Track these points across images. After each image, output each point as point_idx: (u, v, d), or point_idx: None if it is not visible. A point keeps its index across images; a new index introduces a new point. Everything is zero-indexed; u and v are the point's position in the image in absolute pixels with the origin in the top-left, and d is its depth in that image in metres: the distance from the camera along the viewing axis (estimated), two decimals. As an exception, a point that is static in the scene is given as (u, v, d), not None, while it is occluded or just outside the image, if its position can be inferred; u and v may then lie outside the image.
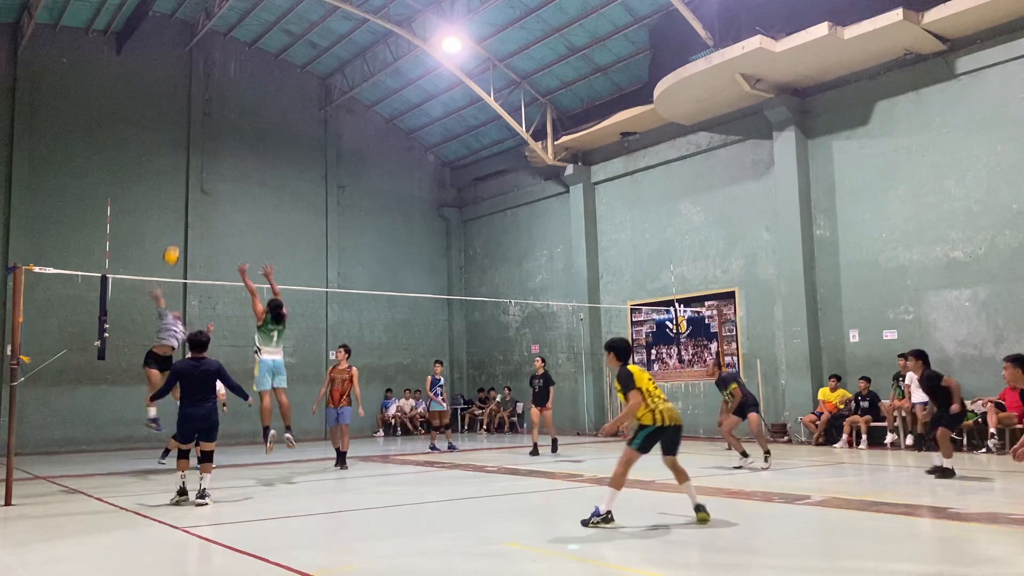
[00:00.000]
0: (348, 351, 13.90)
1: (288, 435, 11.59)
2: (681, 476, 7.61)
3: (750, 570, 5.72)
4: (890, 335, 15.44)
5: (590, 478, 11.28)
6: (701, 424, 18.73)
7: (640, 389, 7.51)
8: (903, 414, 14.57)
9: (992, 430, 13.23)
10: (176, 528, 7.74)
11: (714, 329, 18.19)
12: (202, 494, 9.16)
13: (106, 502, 9.74)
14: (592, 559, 6.12)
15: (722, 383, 12.70)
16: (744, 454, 12.00)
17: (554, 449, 15.19)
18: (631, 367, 7.69)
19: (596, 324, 21.40)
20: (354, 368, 13.67)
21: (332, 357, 23.08)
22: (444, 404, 16.94)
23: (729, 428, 12.47)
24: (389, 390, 23.58)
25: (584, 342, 21.36)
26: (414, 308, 24.60)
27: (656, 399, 7.57)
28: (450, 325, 25.68)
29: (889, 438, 14.74)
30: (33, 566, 6.29)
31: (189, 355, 9.73)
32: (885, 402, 14.98)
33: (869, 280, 15.86)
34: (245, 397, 9.83)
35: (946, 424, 10.39)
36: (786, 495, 9.01)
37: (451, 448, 16.59)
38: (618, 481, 7.42)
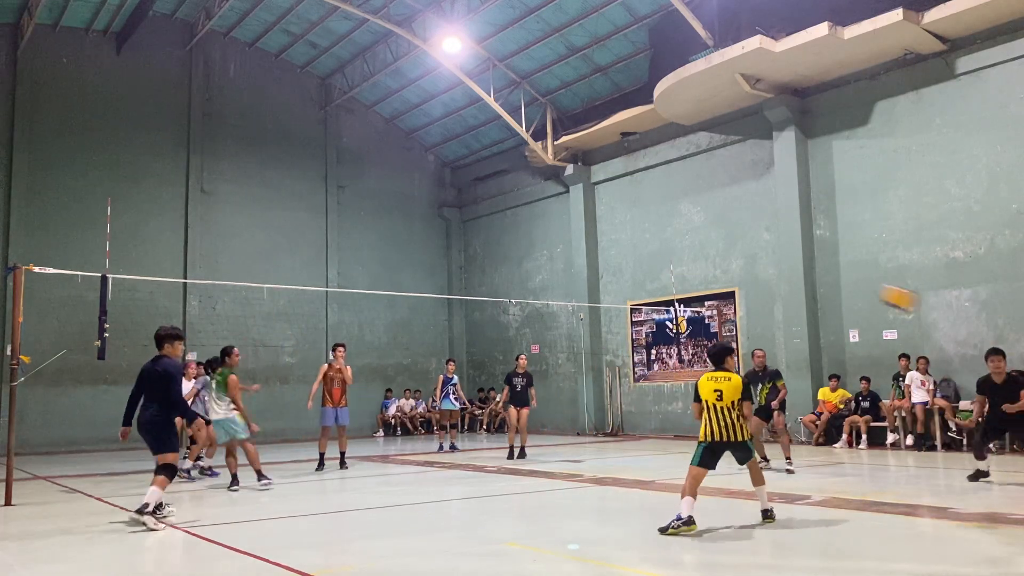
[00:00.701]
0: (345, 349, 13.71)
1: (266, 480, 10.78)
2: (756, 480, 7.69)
3: (750, 570, 5.72)
4: (890, 335, 15.44)
5: (590, 478, 11.28)
6: (701, 424, 18.70)
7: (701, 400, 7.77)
8: (903, 414, 14.57)
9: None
10: (176, 528, 7.74)
11: (714, 329, 18.18)
12: (141, 509, 7.73)
13: (106, 502, 9.74)
14: (592, 559, 6.12)
15: (770, 376, 11.79)
16: (765, 458, 11.51)
17: (521, 455, 14.39)
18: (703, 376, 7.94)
19: (596, 324, 21.40)
20: (348, 367, 13.44)
21: (332, 358, 23.13)
22: (457, 403, 16.76)
23: (755, 430, 11.91)
24: (389, 390, 23.57)
25: (584, 342, 21.35)
26: (414, 308, 24.60)
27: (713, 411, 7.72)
28: (450, 325, 25.68)
29: (889, 438, 14.74)
30: (33, 566, 6.29)
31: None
32: (885, 402, 14.98)
33: (869, 280, 15.84)
34: (189, 420, 9.06)
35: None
36: (786, 495, 9.01)
37: (452, 448, 16.58)
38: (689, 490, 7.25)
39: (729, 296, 18.34)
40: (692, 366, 19.16)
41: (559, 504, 9.21)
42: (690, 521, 6.87)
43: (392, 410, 23.17)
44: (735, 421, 7.61)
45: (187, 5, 20.84)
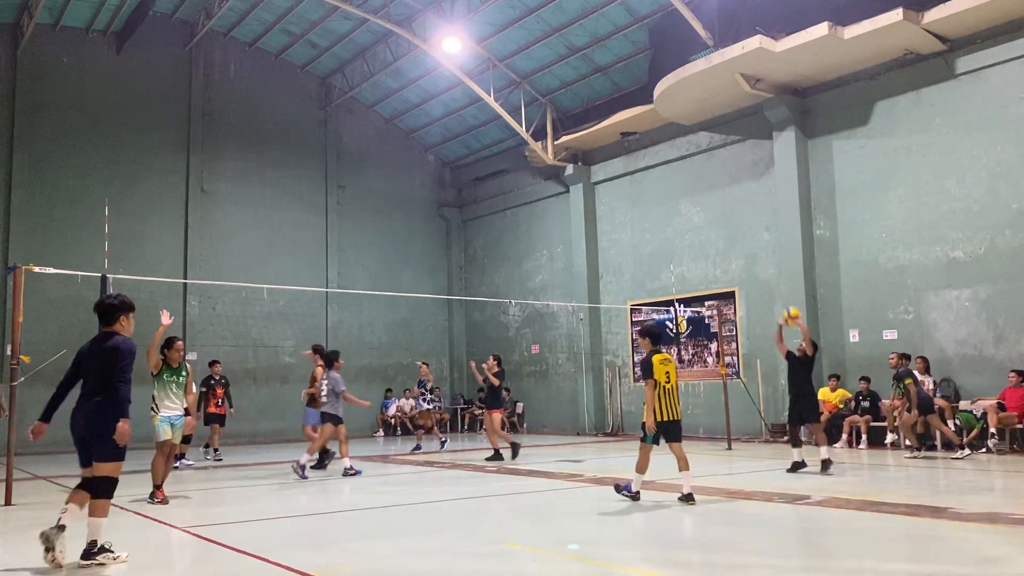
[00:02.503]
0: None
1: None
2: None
3: (750, 570, 5.72)
4: (890, 335, 15.43)
5: (590, 478, 11.28)
6: (702, 423, 18.73)
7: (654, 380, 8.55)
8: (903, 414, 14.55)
9: (992, 430, 13.23)
10: (176, 528, 7.74)
11: (714, 329, 18.19)
12: (88, 552, 5.98)
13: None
14: (592, 559, 6.12)
15: (897, 378, 13.16)
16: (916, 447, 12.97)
17: (496, 457, 13.91)
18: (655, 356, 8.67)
19: (596, 324, 21.40)
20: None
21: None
22: (426, 405, 17.05)
23: (908, 424, 13.07)
24: (389, 390, 23.57)
25: (584, 342, 21.36)
26: (414, 308, 24.60)
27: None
28: (450, 325, 25.68)
29: (889, 438, 14.72)
30: (33, 566, 6.28)
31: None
32: (885, 402, 14.97)
33: (869, 280, 15.86)
34: (118, 416, 6.17)
35: None
36: (786, 495, 9.01)
37: (416, 449, 16.50)
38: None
39: (729, 296, 18.34)
40: (692, 366, 19.17)
41: (559, 504, 9.21)
42: (638, 496, 8.54)
43: (392, 410, 23.16)
44: (677, 401, 8.75)
45: (187, 5, 20.84)
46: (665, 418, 8.61)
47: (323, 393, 12.34)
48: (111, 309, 6.43)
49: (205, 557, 6.63)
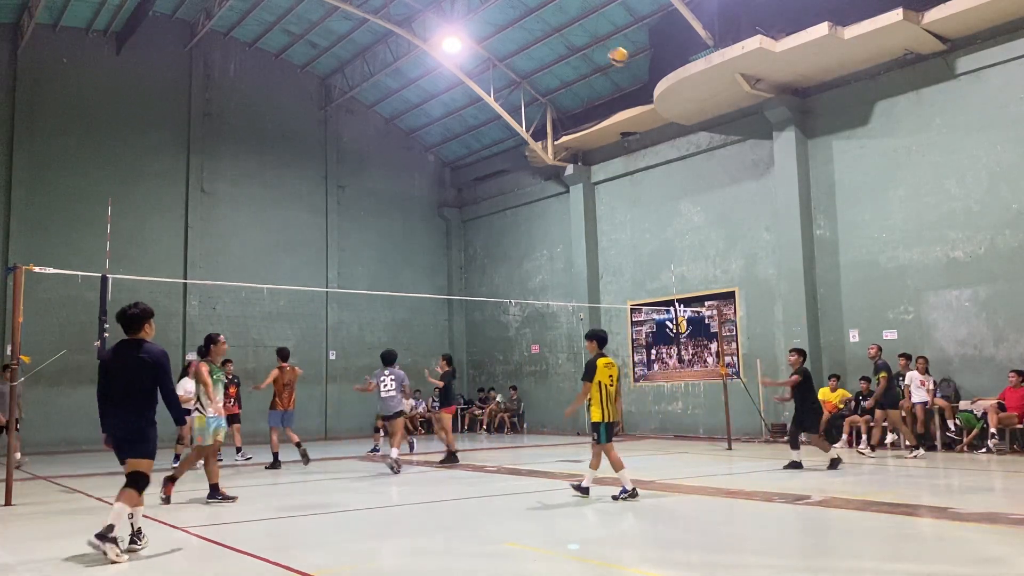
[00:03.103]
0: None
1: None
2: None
3: (750, 570, 5.72)
4: (890, 335, 15.43)
5: (590, 478, 11.26)
6: (701, 424, 18.74)
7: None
8: (903, 414, 14.56)
9: (992, 430, 13.23)
10: (176, 528, 7.74)
11: (714, 329, 18.18)
12: (102, 534, 6.22)
13: (106, 502, 9.72)
14: (592, 559, 6.12)
15: (876, 370, 13.28)
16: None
17: (451, 459, 13.88)
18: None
19: (596, 324, 21.36)
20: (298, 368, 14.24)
21: (332, 357, 23.13)
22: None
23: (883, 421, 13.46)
24: (389, 390, 23.53)
25: (584, 342, 21.32)
26: (414, 308, 24.60)
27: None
28: (450, 325, 25.68)
29: (889, 438, 14.72)
30: (33, 566, 6.29)
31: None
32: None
33: (869, 280, 15.86)
34: (180, 421, 6.90)
35: None
36: (786, 495, 9.01)
37: (375, 449, 16.02)
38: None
39: (729, 296, 18.34)
40: (692, 366, 19.17)
41: (559, 504, 9.21)
42: (635, 492, 8.93)
43: (392, 410, 23.09)
44: (616, 402, 9.43)
45: (187, 5, 20.84)
46: (609, 419, 9.22)
47: (392, 390, 12.97)
48: (136, 319, 6.71)
49: (205, 557, 6.63)
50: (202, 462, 9.67)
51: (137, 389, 6.57)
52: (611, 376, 9.25)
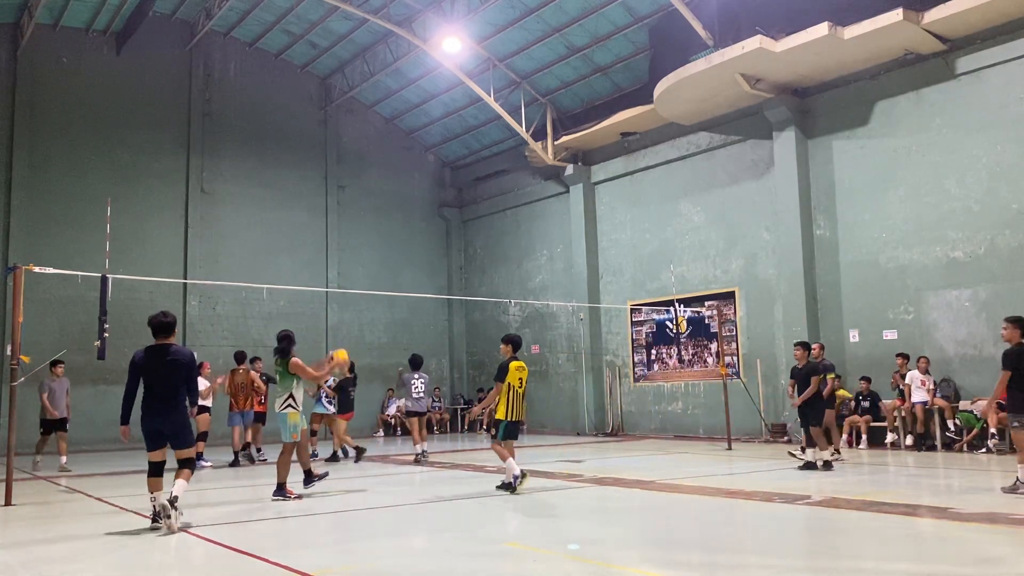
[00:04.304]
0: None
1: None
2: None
3: (750, 570, 5.72)
4: (890, 335, 15.43)
5: (590, 478, 11.29)
6: (701, 424, 18.74)
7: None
8: (903, 414, 14.58)
9: (992, 430, 13.24)
10: (176, 528, 7.72)
11: (714, 329, 18.19)
12: (171, 501, 7.38)
13: (106, 502, 9.74)
14: (592, 559, 6.12)
15: (824, 370, 12.45)
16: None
17: (334, 459, 14.75)
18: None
19: (596, 324, 21.40)
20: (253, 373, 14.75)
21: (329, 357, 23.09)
22: (330, 407, 14.82)
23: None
24: (391, 390, 23.56)
25: (584, 342, 21.36)
26: (414, 308, 24.60)
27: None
28: (450, 325, 25.68)
29: (889, 438, 14.74)
30: (33, 566, 6.29)
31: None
32: (885, 402, 14.98)
33: (869, 280, 15.86)
34: (187, 413, 7.91)
35: None
36: (786, 495, 9.01)
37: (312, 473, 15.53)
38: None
39: (729, 296, 18.34)
40: (692, 366, 19.17)
41: (559, 504, 9.22)
42: (524, 474, 9.64)
43: (392, 410, 23.16)
44: (523, 403, 9.99)
45: (187, 5, 20.84)
46: (513, 418, 9.82)
47: (422, 393, 14.30)
48: (168, 326, 7.84)
49: (205, 557, 6.63)
50: (283, 454, 9.89)
51: (175, 388, 7.68)
52: (521, 379, 9.91)
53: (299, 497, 9.57)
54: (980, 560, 5.86)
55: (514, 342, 10.22)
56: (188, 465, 7.79)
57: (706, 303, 18.58)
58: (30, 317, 14.76)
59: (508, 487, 9.71)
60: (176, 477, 7.63)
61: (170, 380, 7.67)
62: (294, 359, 9.64)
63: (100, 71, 20.64)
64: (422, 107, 24.02)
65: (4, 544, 7.38)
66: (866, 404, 15.12)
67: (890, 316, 15.49)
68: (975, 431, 13.61)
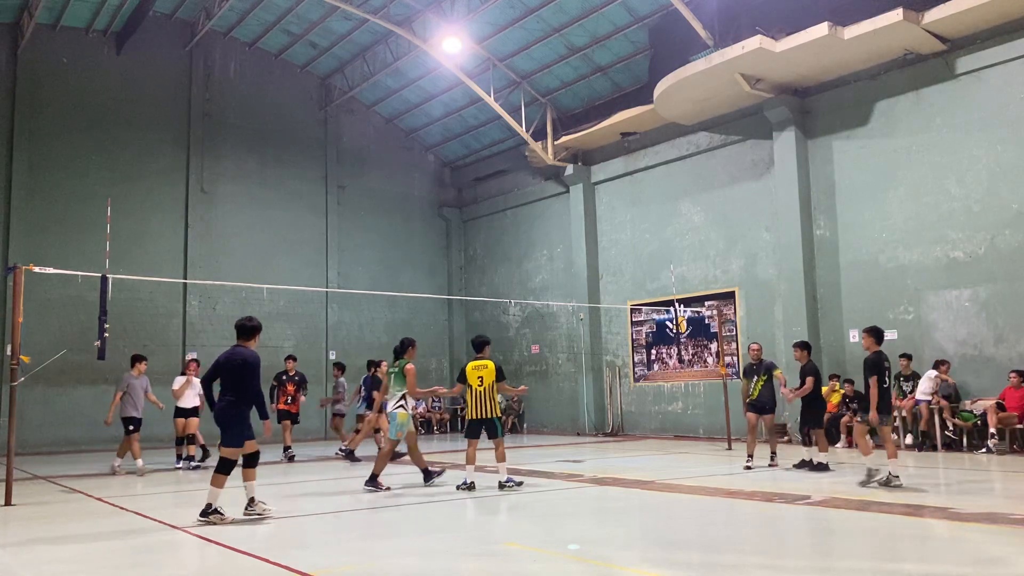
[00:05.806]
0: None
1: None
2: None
3: (750, 570, 5.72)
4: (890, 335, 15.40)
5: (590, 478, 11.29)
6: (701, 424, 18.74)
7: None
8: (903, 414, 14.57)
9: (992, 430, 13.24)
10: (176, 528, 7.74)
11: (714, 329, 18.18)
12: (205, 511, 7.95)
13: (106, 502, 9.74)
14: (592, 559, 6.12)
15: (765, 369, 12.36)
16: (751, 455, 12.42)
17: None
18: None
19: (596, 324, 21.40)
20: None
21: (332, 357, 23.14)
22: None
23: (752, 426, 12.71)
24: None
25: (584, 342, 21.36)
26: (414, 308, 24.59)
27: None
28: (450, 325, 25.68)
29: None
30: (33, 566, 6.29)
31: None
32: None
33: (869, 280, 15.86)
34: (262, 416, 8.33)
35: None
36: (786, 495, 9.01)
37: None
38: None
39: (729, 296, 18.35)
40: (692, 366, 19.17)
41: (559, 504, 9.21)
42: (473, 486, 9.77)
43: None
44: (491, 401, 10.00)
45: (187, 5, 20.84)
46: (473, 416, 10.01)
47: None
48: (252, 330, 8.41)
49: (205, 557, 6.63)
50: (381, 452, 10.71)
51: (232, 389, 8.06)
52: (480, 378, 10.02)
53: (388, 489, 10.17)
54: (980, 560, 5.86)
55: (474, 343, 10.45)
56: (252, 462, 8.26)
57: (706, 303, 18.57)
58: (30, 317, 14.76)
59: (465, 486, 9.92)
60: (245, 478, 8.21)
61: (229, 379, 8.16)
62: (409, 365, 10.49)
63: (100, 71, 20.63)
64: (422, 107, 24.02)
65: (4, 544, 7.38)
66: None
67: (890, 316, 15.48)
68: (969, 425, 13.67)
